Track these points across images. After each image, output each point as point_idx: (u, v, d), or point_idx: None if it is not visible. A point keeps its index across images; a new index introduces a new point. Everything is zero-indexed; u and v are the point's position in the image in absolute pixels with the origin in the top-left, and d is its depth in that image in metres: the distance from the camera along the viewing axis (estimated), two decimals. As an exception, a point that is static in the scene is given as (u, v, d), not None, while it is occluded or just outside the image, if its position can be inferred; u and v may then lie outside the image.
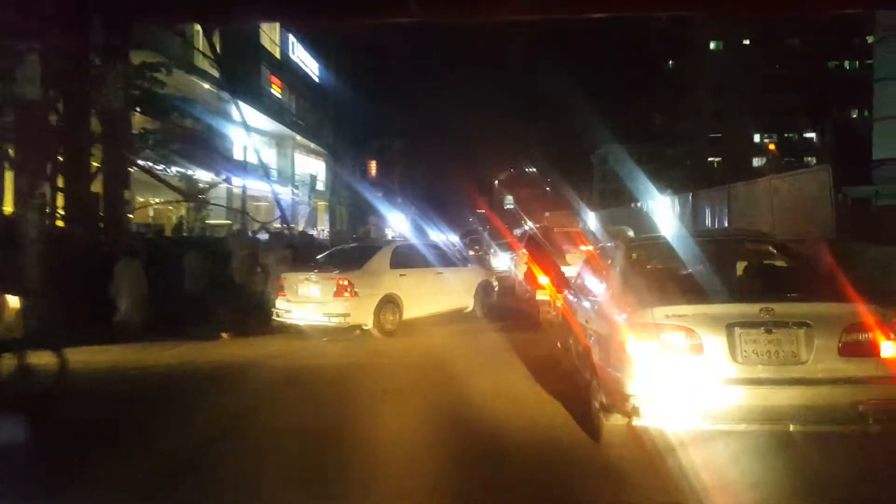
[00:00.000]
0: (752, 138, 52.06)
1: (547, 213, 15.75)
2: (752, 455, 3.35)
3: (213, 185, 15.90)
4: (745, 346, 3.12)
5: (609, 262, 4.21)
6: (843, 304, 3.16)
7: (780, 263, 3.95)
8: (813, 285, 3.50)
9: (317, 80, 31.57)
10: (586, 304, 4.29)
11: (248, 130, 17.43)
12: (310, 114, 32.02)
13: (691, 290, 3.43)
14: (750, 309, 3.15)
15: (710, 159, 49.67)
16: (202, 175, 14.78)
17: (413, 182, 73.00)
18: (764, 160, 47.81)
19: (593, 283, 4.36)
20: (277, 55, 25.35)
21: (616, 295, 3.69)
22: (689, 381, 3.10)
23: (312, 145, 31.76)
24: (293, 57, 27.71)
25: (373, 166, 56.61)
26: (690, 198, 13.82)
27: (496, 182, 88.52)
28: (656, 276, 3.98)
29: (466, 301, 9.12)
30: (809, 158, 44.51)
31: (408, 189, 65.22)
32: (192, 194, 13.23)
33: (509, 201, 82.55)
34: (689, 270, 3.85)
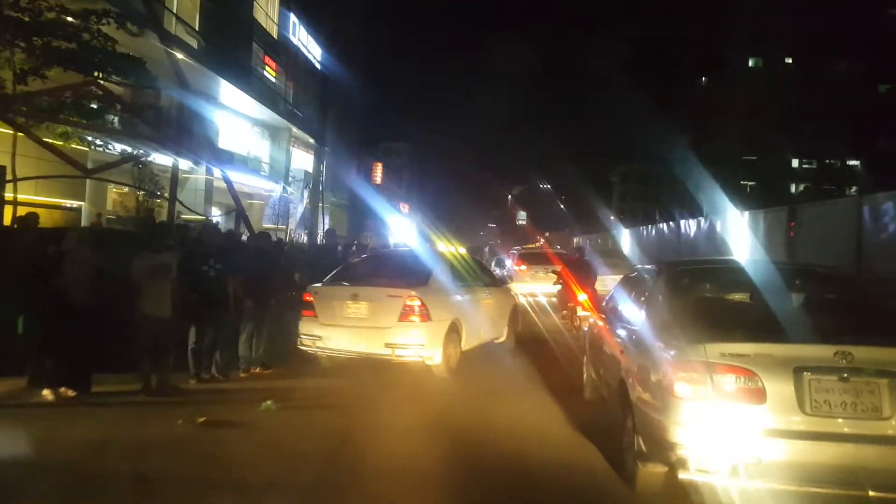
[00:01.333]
0: (790, 163, 51.46)
1: (546, 234, 16.20)
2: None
3: (194, 172, 14.54)
4: (817, 394, 2.81)
5: (651, 286, 3.87)
6: None
7: (858, 300, 3.58)
8: (887, 322, 3.14)
9: (319, 67, 29.73)
10: (622, 332, 3.96)
11: (224, 110, 16.20)
12: (310, 105, 29.91)
13: (752, 326, 3.09)
14: (823, 352, 2.82)
15: (742, 182, 49.12)
16: (165, 160, 12.40)
17: (422, 189, 71.98)
18: (802, 187, 47.34)
19: (632, 310, 4.02)
20: (274, 34, 23.87)
21: (661, 326, 3.36)
22: (747, 432, 2.76)
23: (312, 140, 30.75)
24: (294, 39, 26.21)
25: (378, 168, 55.43)
26: (746, 216, 12.56)
27: (509, 196, 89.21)
28: (709, 306, 3.63)
29: (502, 329, 7.83)
30: (851, 189, 43.88)
31: (415, 196, 63.86)
32: (141, 180, 10.95)
33: (522, 217, 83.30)
34: (750, 302, 3.49)
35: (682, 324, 3.30)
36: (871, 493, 2.77)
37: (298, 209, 25.86)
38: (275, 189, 24.47)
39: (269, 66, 22.98)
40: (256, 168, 23.49)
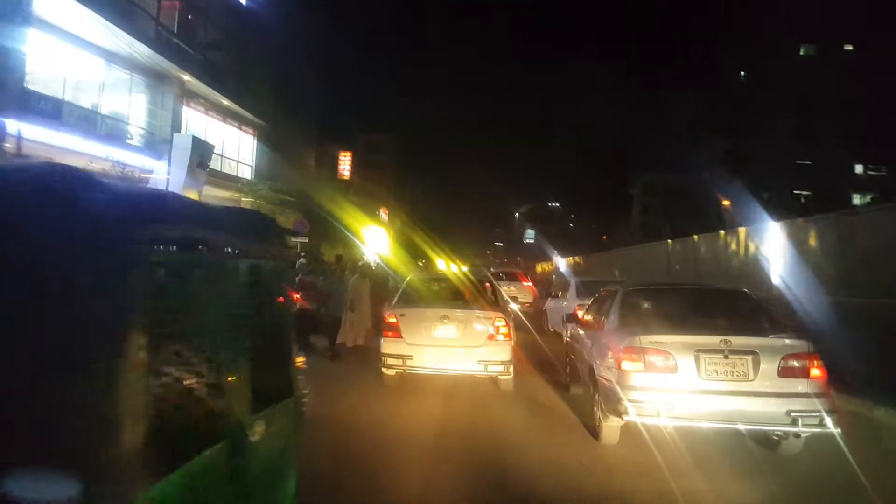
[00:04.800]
0: (852, 168, 50.22)
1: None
2: (706, 443, 5.39)
3: None
4: (708, 366, 5.32)
5: (610, 303, 6.37)
6: (780, 339, 5.18)
7: (735, 308, 6.01)
8: (761, 324, 5.52)
9: (255, 4, 26.56)
10: (591, 335, 6.47)
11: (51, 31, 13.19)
12: (234, 55, 25.89)
13: (669, 325, 5.58)
14: (713, 340, 5.31)
15: (795, 192, 48.66)
16: None
17: (406, 192, 68.33)
18: (869, 197, 45.82)
19: (597, 319, 6.54)
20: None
21: (614, 327, 5.87)
22: (666, 391, 5.17)
23: (225, 102, 25.07)
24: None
25: (345, 159, 49.19)
26: (777, 227, 12.45)
27: (516, 214, 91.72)
28: (645, 313, 6.08)
29: None
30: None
31: (398, 200, 59.85)
32: None
33: (529, 235, 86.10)
34: (670, 310, 5.94)
35: (627, 325, 5.75)
36: (741, 426, 5.14)
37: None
38: (156, 168, 20.31)
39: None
40: (115, 132, 18.58)
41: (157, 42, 19.55)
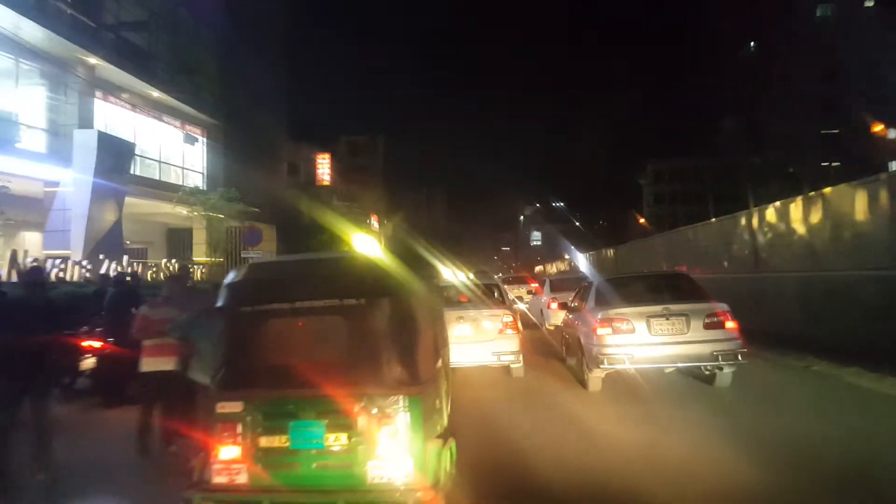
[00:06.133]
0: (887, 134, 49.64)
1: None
2: (661, 382, 8.24)
3: None
4: (656, 326, 8.20)
5: (589, 288, 9.25)
6: (704, 304, 7.97)
7: (670, 284, 8.92)
8: (692, 295, 8.32)
9: None
10: (578, 314, 9.39)
11: None
12: (165, 38, 22.48)
13: (629, 301, 8.50)
14: (658, 308, 8.26)
15: (823, 164, 47.52)
16: None
17: (403, 198, 66.97)
18: None
19: (580, 304, 9.46)
20: None
21: (592, 305, 8.79)
22: (628, 345, 8.04)
23: (156, 94, 21.73)
24: None
25: (323, 164, 46.07)
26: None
27: (521, 217, 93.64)
28: (612, 294, 8.91)
29: None
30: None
31: (392, 207, 58.68)
32: None
33: (536, 237, 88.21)
34: (630, 290, 8.77)
35: (600, 304, 8.70)
36: (680, 365, 7.94)
37: (80, 212, 17.93)
38: (63, 180, 17.82)
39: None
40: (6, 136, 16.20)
41: (46, 16, 16.30)
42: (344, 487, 3.76)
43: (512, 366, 9.98)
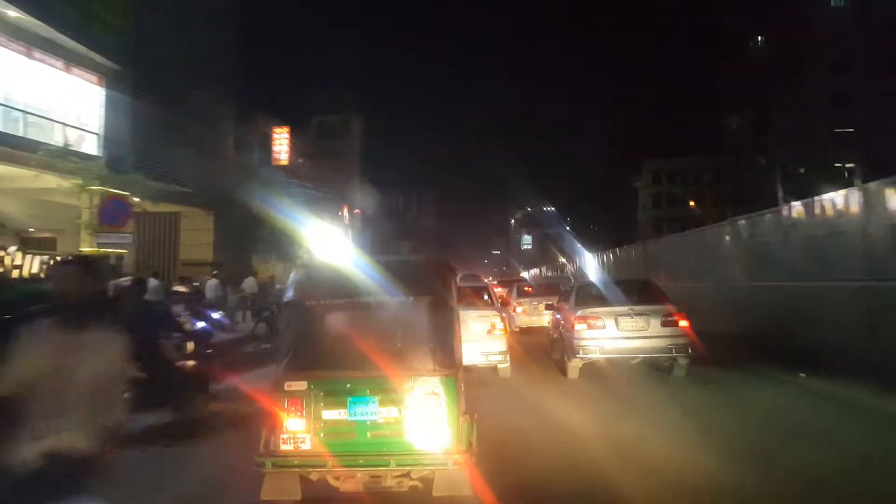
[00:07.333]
0: None
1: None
2: (625, 370, 10.08)
3: None
4: (623, 324, 10.12)
5: (570, 292, 11.02)
6: (662, 306, 9.81)
7: (643, 289, 10.69)
8: (653, 298, 10.15)
9: None
10: (561, 314, 11.11)
11: None
12: None
13: (601, 302, 10.30)
14: (624, 308, 10.08)
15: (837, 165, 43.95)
16: None
17: (377, 186, 62.32)
18: None
19: (563, 304, 11.22)
20: None
21: (571, 306, 10.55)
22: (600, 339, 9.83)
23: (12, 13, 15.42)
24: None
25: (280, 139, 37.46)
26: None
27: (512, 221, 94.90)
28: (587, 297, 10.70)
29: None
30: None
31: (364, 198, 54.13)
32: None
33: (527, 241, 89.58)
34: (601, 294, 10.56)
35: (578, 304, 10.58)
36: (641, 356, 9.74)
37: None
38: None
39: None
40: None
41: None
42: (394, 452, 4.41)
43: (499, 366, 10.78)
